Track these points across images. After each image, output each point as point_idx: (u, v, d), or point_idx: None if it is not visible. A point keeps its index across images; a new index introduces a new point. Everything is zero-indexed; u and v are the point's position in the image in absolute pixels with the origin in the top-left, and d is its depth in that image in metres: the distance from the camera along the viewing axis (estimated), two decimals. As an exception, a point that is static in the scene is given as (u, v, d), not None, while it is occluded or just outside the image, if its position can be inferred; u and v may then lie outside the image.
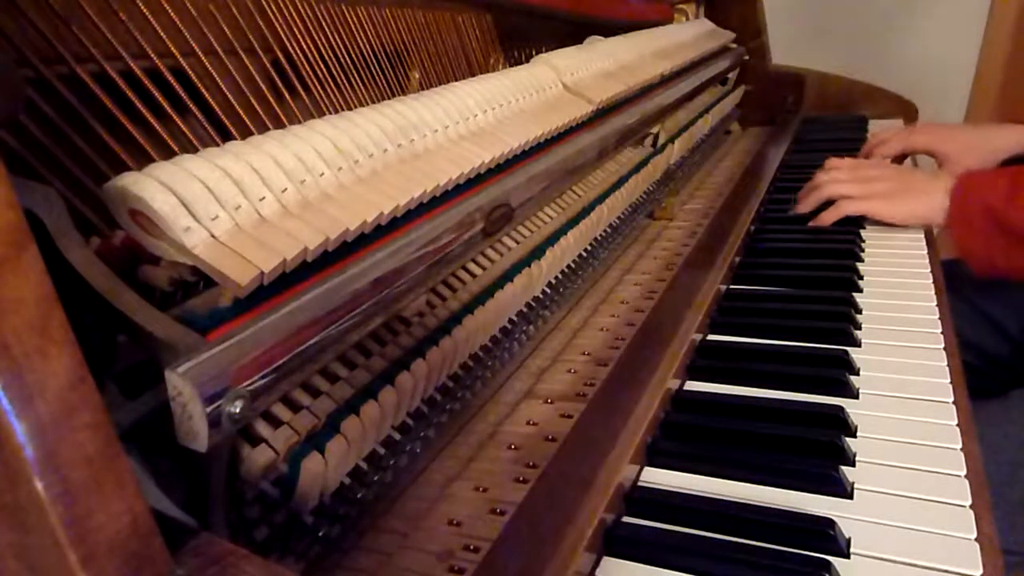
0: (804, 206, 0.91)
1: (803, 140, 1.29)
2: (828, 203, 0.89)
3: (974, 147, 1.01)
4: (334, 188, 0.38)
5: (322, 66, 0.54)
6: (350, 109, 0.45)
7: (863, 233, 0.87)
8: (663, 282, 0.74)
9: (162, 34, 0.43)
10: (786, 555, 0.39)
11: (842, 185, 0.89)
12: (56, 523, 0.22)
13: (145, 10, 0.42)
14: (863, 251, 0.82)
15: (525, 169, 0.54)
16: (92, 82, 0.38)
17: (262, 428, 0.35)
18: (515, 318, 0.59)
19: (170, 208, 0.30)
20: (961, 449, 0.47)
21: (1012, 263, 0.77)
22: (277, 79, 0.50)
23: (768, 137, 1.25)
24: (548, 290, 0.65)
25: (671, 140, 0.97)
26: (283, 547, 0.37)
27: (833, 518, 0.41)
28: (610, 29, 0.96)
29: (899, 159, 1.09)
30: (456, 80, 0.57)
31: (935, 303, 0.68)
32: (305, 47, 0.53)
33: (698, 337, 0.61)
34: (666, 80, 0.93)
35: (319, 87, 0.54)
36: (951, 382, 0.55)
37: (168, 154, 0.39)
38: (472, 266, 0.54)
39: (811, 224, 0.89)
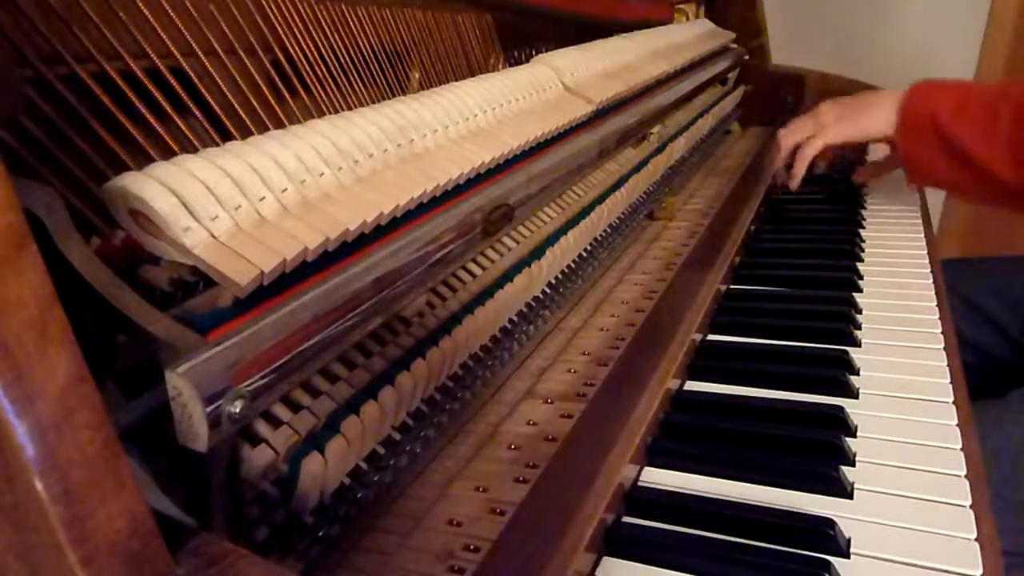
0: (776, 173, 0.97)
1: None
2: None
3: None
4: (334, 188, 0.38)
5: (322, 66, 0.54)
6: (350, 109, 0.45)
7: (863, 233, 0.87)
8: (663, 282, 0.74)
9: (162, 34, 0.43)
10: (786, 555, 0.39)
11: (795, 132, 0.94)
12: (56, 523, 0.22)
13: (145, 10, 0.42)
14: (863, 251, 0.82)
15: (525, 169, 0.54)
16: (92, 82, 0.38)
17: (262, 428, 0.35)
18: (515, 318, 0.59)
19: (170, 208, 0.30)
20: (961, 449, 0.47)
21: (949, 176, 0.82)
22: (277, 79, 0.50)
23: (768, 137, 1.25)
24: (548, 290, 0.65)
25: (670, 140, 0.98)
26: (283, 547, 0.37)
27: (833, 518, 0.41)
28: (610, 29, 0.96)
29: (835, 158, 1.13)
30: (456, 80, 0.57)
31: (935, 303, 0.68)
32: (305, 47, 0.53)
33: (698, 337, 0.61)
34: (666, 80, 0.93)
35: (319, 87, 0.54)
36: (951, 382, 0.55)
37: (168, 154, 0.39)
38: (472, 266, 0.54)
39: (783, 184, 0.96)
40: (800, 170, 0.93)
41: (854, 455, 0.47)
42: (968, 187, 0.82)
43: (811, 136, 0.93)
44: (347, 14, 0.58)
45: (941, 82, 0.87)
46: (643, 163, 0.88)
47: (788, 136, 0.95)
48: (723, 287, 0.71)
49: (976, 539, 0.40)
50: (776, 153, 0.97)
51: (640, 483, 0.46)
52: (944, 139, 0.80)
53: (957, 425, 0.50)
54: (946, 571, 0.38)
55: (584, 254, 0.73)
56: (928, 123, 0.82)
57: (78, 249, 0.29)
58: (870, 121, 0.89)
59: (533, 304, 0.62)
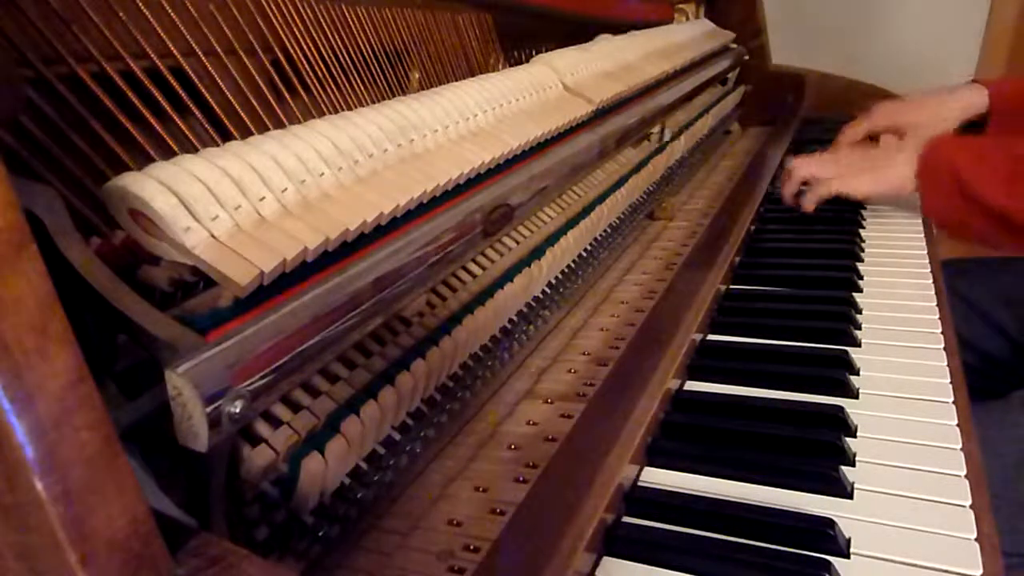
0: (785, 196, 0.95)
1: (803, 140, 1.29)
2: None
3: (932, 115, 1.01)
4: (334, 188, 0.38)
5: (322, 66, 0.54)
6: (350, 109, 0.45)
7: (863, 233, 0.87)
8: (663, 282, 0.74)
9: (162, 34, 0.43)
10: (786, 555, 0.39)
11: (812, 166, 0.93)
12: (56, 523, 0.22)
13: (145, 10, 0.42)
14: (863, 251, 0.82)
15: (525, 169, 0.54)
16: (92, 82, 0.38)
17: (262, 428, 0.35)
18: (515, 318, 0.59)
19: (170, 208, 0.30)
20: (961, 449, 0.47)
21: (984, 233, 0.80)
22: (277, 79, 0.50)
23: (768, 137, 1.25)
24: (548, 290, 0.65)
25: (673, 138, 0.98)
26: (283, 547, 0.37)
27: (833, 518, 0.41)
28: (610, 29, 0.96)
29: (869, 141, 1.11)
30: (456, 80, 0.57)
31: (935, 303, 0.68)
32: (305, 47, 0.53)
33: (698, 337, 0.61)
34: (666, 80, 0.93)
35: (319, 87, 0.54)
36: (951, 382, 0.55)
37: (168, 154, 0.39)
38: (472, 266, 0.54)
39: (796, 210, 0.93)
40: (811, 205, 0.91)
41: (854, 455, 0.47)
42: (999, 238, 0.80)
43: (828, 178, 0.90)
44: (347, 14, 0.58)
45: (953, 138, 0.87)
46: (643, 163, 0.88)
47: (802, 169, 0.93)
48: (723, 287, 0.71)
49: (976, 539, 0.40)
50: (786, 180, 0.94)
51: (640, 483, 0.46)
52: (969, 197, 0.79)
53: (957, 425, 0.50)
54: (946, 571, 0.38)
55: (584, 254, 0.73)
56: (948, 179, 0.81)
57: (78, 249, 0.30)
58: (890, 179, 0.87)
59: (533, 304, 0.62)
